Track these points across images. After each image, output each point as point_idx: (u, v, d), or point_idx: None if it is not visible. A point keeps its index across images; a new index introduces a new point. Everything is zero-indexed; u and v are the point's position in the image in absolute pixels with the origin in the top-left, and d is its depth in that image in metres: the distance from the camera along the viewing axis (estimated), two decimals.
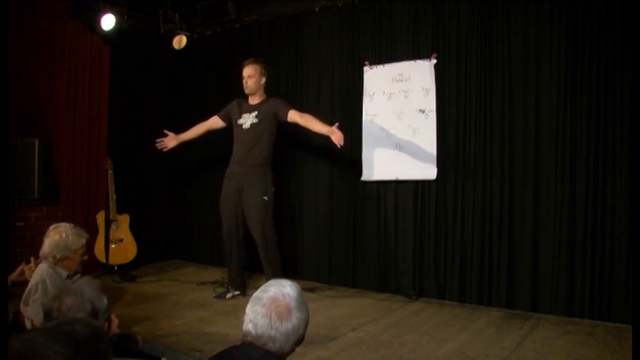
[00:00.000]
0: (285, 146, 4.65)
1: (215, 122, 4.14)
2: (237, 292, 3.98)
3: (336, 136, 3.51)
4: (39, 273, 2.65)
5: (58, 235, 2.67)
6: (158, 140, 4.17)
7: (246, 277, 4.18)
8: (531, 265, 3.55)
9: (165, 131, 4.17)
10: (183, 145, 5.51)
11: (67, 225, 2.75)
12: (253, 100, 3.98)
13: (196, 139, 4.26)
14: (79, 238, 2.73)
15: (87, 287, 1.61)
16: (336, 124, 3.60)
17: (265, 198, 3.84)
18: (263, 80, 3.95)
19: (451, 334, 3.10)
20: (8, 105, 3.85)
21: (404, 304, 3.82)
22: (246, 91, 3.95)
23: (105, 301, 1.63)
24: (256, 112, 3.90)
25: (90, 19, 4.49)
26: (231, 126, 4.06)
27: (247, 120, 3.92)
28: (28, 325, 2.57)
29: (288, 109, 3.85)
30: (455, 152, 3.87)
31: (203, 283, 4.39)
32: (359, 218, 4.32)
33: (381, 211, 4.19)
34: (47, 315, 1.56)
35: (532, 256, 3.55)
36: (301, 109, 4.57)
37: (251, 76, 3.90)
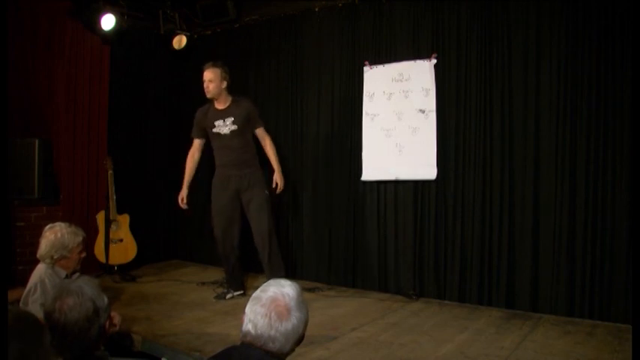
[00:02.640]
0: (285, 146, 4.66)
1: (199, 145, 4.11)
2: (239, 292, 3.99)
3: (278, 184, 3.91)
4: (37, 274, 2.65)
5: (54, 235, 2.66)
6: (182, 207, 4.14)
7: (243, 276, 4.18)
8: (531, 265, 3.55)
9: (181, 200, 4.11)
10: (183, 146, 5.54)
11: (63, 224, 2.73)
12: (220, 105, 3.91)
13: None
14: (75, 237, 2.71)
15: (87, 286, 1.59)
16: (278, 175, 3.92)
17: (267, 192, 3.92)
18: (224, 84, 3.86)
19: (451, 334, 3.10)
20: (8, 105, 3.87)
21: (404, 304, 3.82)
22: (208, 96, 3.88)
23: (105, 299, 1.62)
24: (232, 119, 3.86)
25: (90, 19, 4.49)
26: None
27: (224, 127, 3.87)
28: None
29: (259, 126, 3.96)
30: (455, 152, 3.87)
31: (203, 283, 4.40)
32: (359, 218, 4.31)
33: (381, 211, 4.19)
34: (48, 316, 1.55)
35: (532, 256, 3.55)
36: (301, 109, 4.59)
37: (211, 80, 3.82)
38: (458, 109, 3.86)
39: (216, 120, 3.90)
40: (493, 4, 3.68)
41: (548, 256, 3.50)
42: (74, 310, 1.52)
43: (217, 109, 3.92)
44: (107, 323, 1.61)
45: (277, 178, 3.92)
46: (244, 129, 3.89)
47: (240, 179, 3.90)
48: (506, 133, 3.66)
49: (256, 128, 3.96)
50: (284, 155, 4.69)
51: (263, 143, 3.98)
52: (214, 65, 3.86)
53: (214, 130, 3.92)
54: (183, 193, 4.08)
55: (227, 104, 3.91)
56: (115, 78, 4.90)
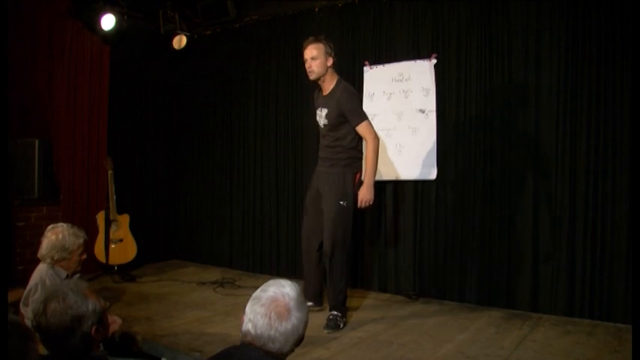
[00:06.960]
0: (286, 146, 4.66)
1: None
2: (311, 304, 3.31)
3: (360, 197, 3.20)
4: (38, 274, 2.65)
5: (55, 236, 2.67)
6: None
7: (323, 288, 3.54)
8: (531, 265, 3.55)
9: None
10: (183, 144, 5.55)
11: (65, 225, 2.73)
12: (326, 89, 3.29)
13: None
14: (76, 239, 2.71)
15: (72, 293, 1.57)
16: (365, 189, 3.19)
17: (342, 203, 3.22)
18: (330, 62, 3.23)
19: (451, 334, 3.10)
20: (8, 105, 3.87)
21: (404, 304, 3.82)
22: (311, 77, 3.24)
23: (91, 306, 1.58)
24: (326, 111, 3.23)
25: (90, 19, 4.50)
26: None
27: (321, 119, 3.31)
28: (28, 325, 2.56)
29: (357, 123, 3.19)
30: (455, 152, 3.87)
31: (203, 283, 4.40)
32: (359, 218, 4.30)
33: (381, 211, 4.19)
34: (35, 317, 1.55)
35: (532, 256, 3.55)
36: (302, 109, 4.58)
37: (315, 57, 3.18)
38: (458, 109, 3.86)
39: (318, 107, 3.34)
40: (493, 4, 3.68)
41: (548, 256, 3.50)
42: (55, 315, 1.52)
43: (321, 94, 3.33)
44: (94, 329, 1.58)
45: (361, 192, 3.19)
46: (337, 126, 3.23)
47: (323, 177, 3.34)
48: (506, 133, 3.66)
49: (354, 126, 3.20)
50: (284, 155, 4.70)
51: (366, 144, 3.26)
52: (317, 40, 3.24)
53: (316, 117, 3.38)
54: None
55: (329, 89, 3.26)
56: (115, 78, 4.90)
